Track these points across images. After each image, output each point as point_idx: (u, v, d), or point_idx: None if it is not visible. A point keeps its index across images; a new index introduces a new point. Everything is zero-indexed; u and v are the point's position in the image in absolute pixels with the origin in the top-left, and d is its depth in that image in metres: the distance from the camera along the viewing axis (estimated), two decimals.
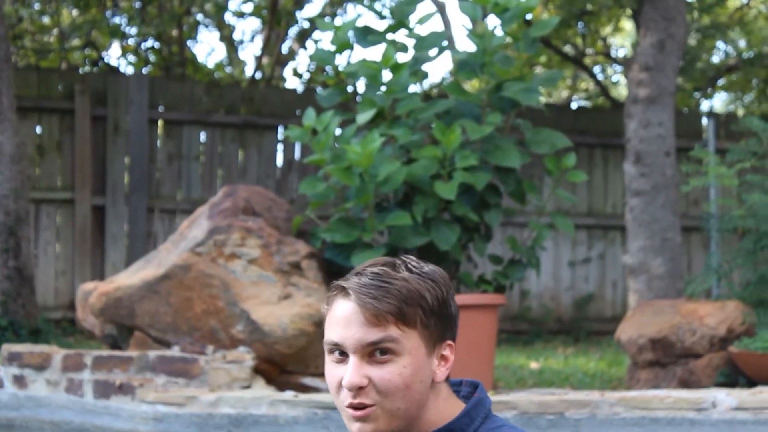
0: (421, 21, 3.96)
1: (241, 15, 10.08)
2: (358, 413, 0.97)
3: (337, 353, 0.97)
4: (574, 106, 10.31)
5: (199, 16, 9.92)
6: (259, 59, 9.90)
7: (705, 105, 10.90)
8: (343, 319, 0.97)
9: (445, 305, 1.02)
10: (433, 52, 3.88)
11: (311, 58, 6.90)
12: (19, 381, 4.06)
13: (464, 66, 4.11)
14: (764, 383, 3.84)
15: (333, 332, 0.96)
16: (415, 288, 0.97)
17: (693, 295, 4.47)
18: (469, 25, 4.21)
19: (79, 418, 4.03)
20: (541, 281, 7.14)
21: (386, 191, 3.86)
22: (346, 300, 0.96)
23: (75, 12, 9.39)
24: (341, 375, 0.96)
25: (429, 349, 1.01)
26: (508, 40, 4.24)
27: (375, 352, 0.96)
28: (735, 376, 4.03)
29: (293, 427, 3.76)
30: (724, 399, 3.49)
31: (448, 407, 1.08)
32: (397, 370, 0.98)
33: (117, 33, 8.97)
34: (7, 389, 4.09)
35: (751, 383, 3.88)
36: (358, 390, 0.96)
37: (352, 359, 0.95)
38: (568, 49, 9.28)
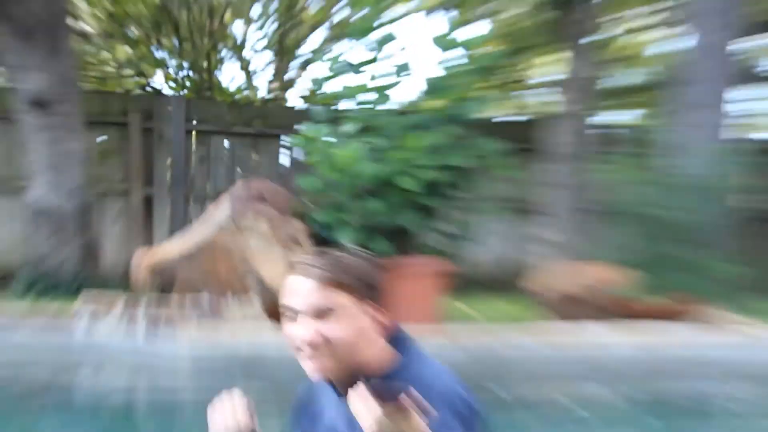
0: (381, 48, 4.79)
1: (256, 50, 12.35)
2: (311, 358, 1.36)
3: (289, 315, 1.39)
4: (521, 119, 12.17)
5: (224, 52, 12.00)
6: (269, 84, 12.21)
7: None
8: (292, 288, 1.37)
9: (371, 278, 1.40)
10: (396, 78, 4.73)
11: (310, 82, 8.48)
12: (88, 323, 4.76)
13: (431, 88, 4.92)
14: (636, 318, 4.82)
15: (286, 296, 1.38)
16: (355, 261, 1.39)
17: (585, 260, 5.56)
18: (438, 56, 4.97)
19: (134, 350, 4.73)
20: (483, 249, 8.37)
21: (363, 184, 4.68)
22: (294, 273, 1.38)
23: (128, 48, 11.52)
24: (292, 330, 1.38)
25: (362, 308, 1.38)
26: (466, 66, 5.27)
27: (321, 313, 1.34)
28: (614, 316, 4.85)
29: (284, 352, 4.64)
30: (607, 332, 4.49)
31: (384, 355, 1.41)
32: (341, 327, 1.34)
33: (161, 64, 11.11)
34: (80, 331, 4.77)
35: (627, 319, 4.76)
36: (310, 342, 1.33)
37: (306, 318, 1.34)
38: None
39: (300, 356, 1.45)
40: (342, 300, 1.40)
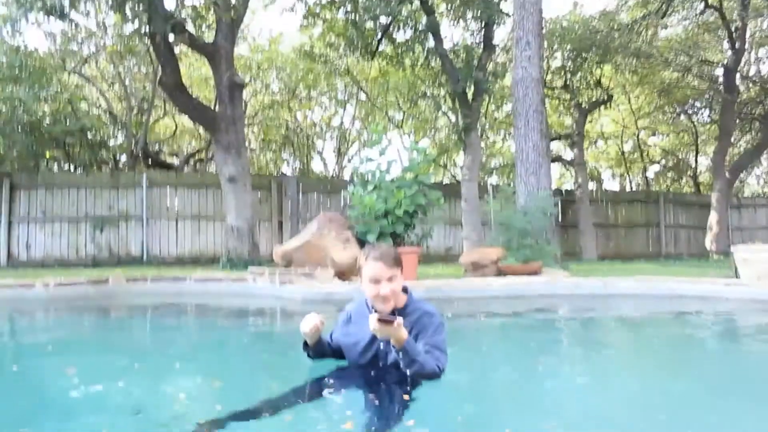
0: (384, 152, 9.57)
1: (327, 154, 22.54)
2: (386, 301, 2.93)
3: (375, 282, 2.91)
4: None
5: (313, 154, 22.70)
6: (334, 167, 22.77)
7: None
8: (377, 268, 2.92)
9: (401, 259, 3.01)
10: (389, 164, 9.53)
11: (352, 167, 15.24)
12: (254, 280, 8.27)
13: (408, 168, 9.30)
14: (510, 275, 8.74)
15: (373, 273, 2.92)
16: (395, 252, 3.04)
17: (485, 246, 10.21)
18: (410, 153, 9.45)
19: (273, 293, 7.73)
20: (435, 242, 14.31)
21: (377, 213, 8.85)
22: (376, 261, 2.93)
23: (271, 154, 20.86)
24: (378, 288, 2.91)
25: (401, 275, 2.97)
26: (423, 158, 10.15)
27: (391, 279, 2.92)
28: (500, 274, 9.03)
29: (349, 295, 6.46)
30: (496, 280, 8.27)
31: (402, 297, 3.05)
32: (397, 284, 2.97)
33: (285, 161, 20.05)
34: (250, 283, 8.19)
35: (505, 276, 8.74)
36: (386, 294, 2.91)
37: (384, 282, 2.90)
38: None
39: (377, 300, 2.85)
40: (397, 272, 2.82)
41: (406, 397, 2.76)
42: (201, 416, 2.66)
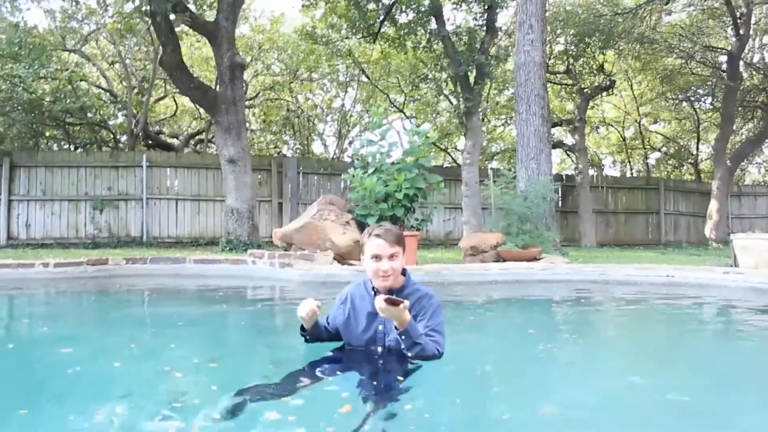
0: (385, 135, 9.51)
1: (328, 136, 23.58)
2: (386, 277, 3.00)
3: (376, 258, 2.97)
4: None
5: (314, 135, 22.80)
6: (335, 150, 22.63)
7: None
8: (379, 245, 2.98)
9: (404, 239, 3.10)
10: (390, 147, 9.53)
11: (353, 149, 15.06)
12: (253, 262, 8.43)
13: (408, 151, 9.36)
14: (509, 260, 8.76)
15: (375, 250, 2.98)
16: (399, 231, 3.10)
17: (485, 231, 10.22)
18: (411, 137, 9.42)
19: (273, 275, 7.86)
20: (434, 226, 14.32)
21: (377, 196, 8.87)
22: (378, 238, 3.00)
23: (271, 135, 21.28)
24: (379, 265, 2.98)
25: (402, 254, 3.04)
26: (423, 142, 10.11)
27: (392, 256, 2.98)
28: (499, 259, 9.09)
29: (347, 278, 6.63)
30: (495, 266, 8.40)
31: (400, 278, 3.10)
32: (398, 263, 3.02)
33: (286, 143, 20.71)
34: (249, 265, 8.33)
35: (504, 261, 8.84)
36: (386, 270, 2.98)
37: (385, 260, 2.98)
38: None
39: (379, 278, 2.89)
40: (399, 250, 2.91)
41: (400, 378, 2.79)
42: (197, 397, 2.67)
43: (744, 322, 5.29)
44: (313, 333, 3.29)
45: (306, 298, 3.20)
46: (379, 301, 2.74)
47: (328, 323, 3.33)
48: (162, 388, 2.85)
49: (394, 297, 2.79)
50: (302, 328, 3.31)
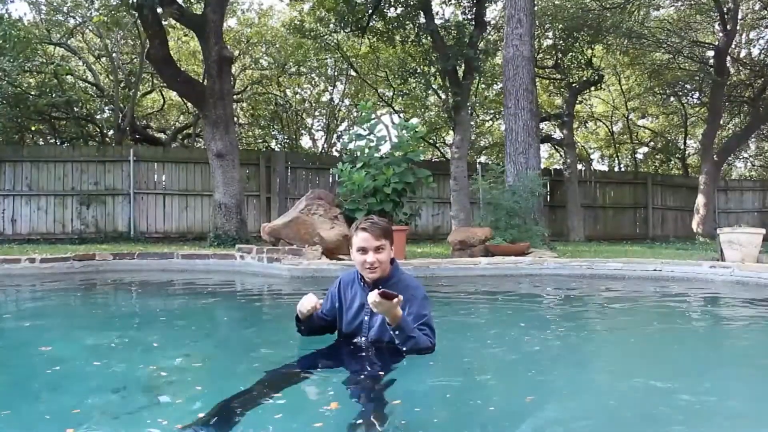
0: (374, 129, 9.60)
1: (316, 130, 23.78)
2: (372, 269, 3.05)
3: (362, 251, 3.02)
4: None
5: (301, 130, 22.63)
6: (323, 144, 22.78)
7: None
8: (364, 238, 3.02)
9: (391, 232, 3.12)
10: (378, 141, 9.50)
11: (341, 143, 14.81)
12: (241, 257, 8.54)
13: (396, 145, 9.36)
14: (497, 255, 8.81)
15: (360, 243, 3.01)
16: (385, 224, 3.10)
17: (473, 225, 10.24)
18: (400, 131, 9.39)
19: (261, 270, 7.89)
20: (423, 221, 14.38)
21: (366, 191, 8.87)
22: (364, 231, 3.03)
23: (259, 130, 21.44)
24: (365, 257, 3.02)
25: (390, 247, 3.08)
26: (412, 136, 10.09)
27: (378, 249, 3.01)
28: (488, 253, 9.18)
29: (335, 272, 6.70)
30: (484, 260, 8.39)
31: (389, 268, 3.12)
32: (384, 255, 3.05)
33: (274, 137, 20.62)
34: (237, 260, 8.37)
35: (492, 255, 8.88)
36: (373, 263, 3.03)
37: (370, 252, 3.01)
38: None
39: (365, 270, 2.95)
40: (384, 243, 2.93)
41: (381, 373, 2.79)
42: (183, 393, 2.66)
43: (729, 316, 5.33)
44: (308, 326, 3.32)
45: (308, 293, 3.27)
46: (373, 296, 2.75)
47: (323, 312, 3.35)
48: (145, 386, 2.82)
49: (388, 291, 2.78)
50: (297, 319, 3.34)
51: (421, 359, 2.96)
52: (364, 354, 3.04)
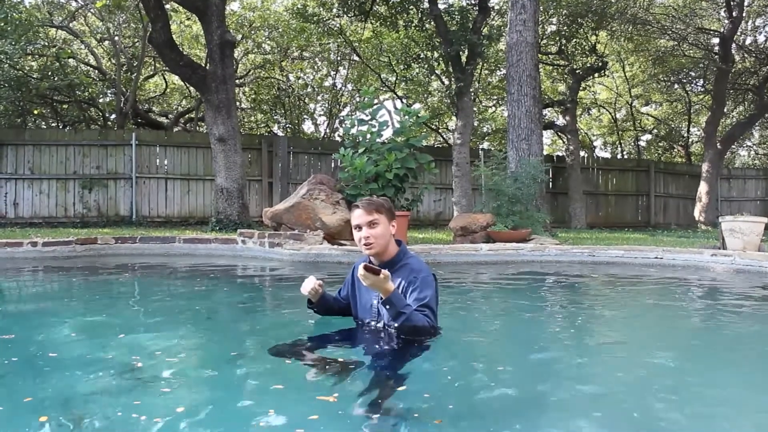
0: (376, 114, 9.51)
1: (319, 115, 23.91)
2: (368, 245, 3.07)
3: (357, 228, 3.06)
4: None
5: (304, 115, 22.94)
6: (325, 129, 22.58)
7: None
8: (357, 214, 3.07)
9: (391, 208, 3.12)
10: (380, 126, 9.46)
11: (343, 128, 14.74)
12: (243, 242, 8.53)
13: (398, 131, 9.38)
14: (499, 241, 8.80)
15: (355, 220, 3.08)
16: (380, 200, 3.14)
17: (475, 211, 10.21)
18: (402, 117, 9.35)
19: (262, 255, 7.98)
20: (425, 207, 14.39)
21: (368, 176, 8.90)
22: (357, 208, 3.10)
23: (261, 114, 20.96)
24: (360, 233, 3.05)
25: (388, 223, 3.05)
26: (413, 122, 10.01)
27: (371, 224, 3.01)
28: (489, 240, 9.15)
29: (337, 258, 7.28)
30: (485, 246, 8.42)
31: (394, 246, 3.13)
32: (379, 230, 3.02)
33: (276, 122, 20.58)
34: (239, 245, 8.45)
35: (494, 242, 8.87)
36: (367, 238, 3.04)
37: (364, 228, 3.04)
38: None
39: (363, 247, 2.96)
40: (378, 217, 2.91)
41: (391, 358, 2.81)
42: (176, 380, 2.67)
43: (729, 303, 5.34)
44: (321, 306, 3.38)
45: (308, 276, 3.30)
46: (360, 269, 2.76)
47: (341, 296, 3.42)
48: (148, 367, 2.83)
49: (373, 266, 2.80)
50: (309, 301, 3.39)
51: (433, 348, 2.92)
52: (376, 337, 3.04)
